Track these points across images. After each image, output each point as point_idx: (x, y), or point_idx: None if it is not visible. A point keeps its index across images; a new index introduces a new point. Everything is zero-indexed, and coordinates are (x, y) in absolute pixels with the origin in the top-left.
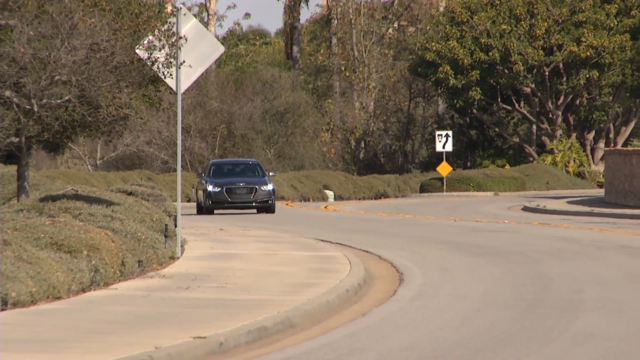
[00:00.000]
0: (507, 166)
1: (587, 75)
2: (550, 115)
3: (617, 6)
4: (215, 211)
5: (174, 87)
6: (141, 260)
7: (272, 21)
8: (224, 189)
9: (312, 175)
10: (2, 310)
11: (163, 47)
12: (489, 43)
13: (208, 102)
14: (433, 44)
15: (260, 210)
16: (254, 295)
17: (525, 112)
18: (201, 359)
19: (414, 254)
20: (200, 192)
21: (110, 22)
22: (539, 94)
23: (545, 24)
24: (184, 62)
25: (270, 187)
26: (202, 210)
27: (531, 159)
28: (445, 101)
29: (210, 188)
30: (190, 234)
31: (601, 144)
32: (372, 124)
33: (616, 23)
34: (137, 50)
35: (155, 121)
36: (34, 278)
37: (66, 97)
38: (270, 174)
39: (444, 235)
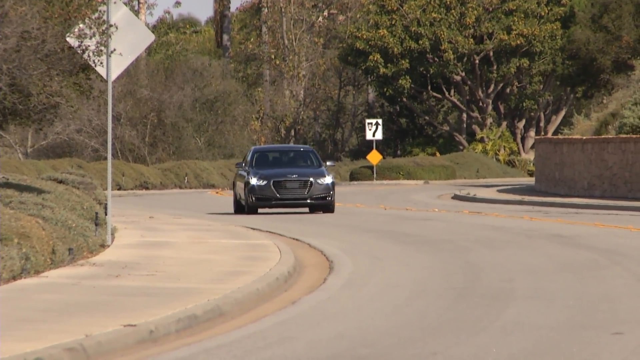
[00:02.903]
0: (438, 154)
1: (518, 64)
2: (481, 104)
3: None
4: (260, 210)
5: (104, 75)
6: (72, 248)
7: (203, 9)
8: (271, 182)
9: None
10: None
11: (94, 36)
12: (419, 31)
13: (138, 91)
14: (363, 32)
15: (316, 208)
16: (184, 283)
17: (456, 101)
18: (131, 347)
19: (344, 242)
20: (240, 186)
21: (41, 11)
22: (469, 83)
23: (476, 12)
24: (114, 50)
25: (328, 179)
26: (244, 209)
27: (461, 147)
28: (375, 89)
29: (253, 181)
30: (121, 222)
31: (532, 133)
32: (302, 113)
33: (547, 11)
34: (67, 39)
35: (85, 109)
36: None
37: None
38: (328, 163)
39: (374, 224)
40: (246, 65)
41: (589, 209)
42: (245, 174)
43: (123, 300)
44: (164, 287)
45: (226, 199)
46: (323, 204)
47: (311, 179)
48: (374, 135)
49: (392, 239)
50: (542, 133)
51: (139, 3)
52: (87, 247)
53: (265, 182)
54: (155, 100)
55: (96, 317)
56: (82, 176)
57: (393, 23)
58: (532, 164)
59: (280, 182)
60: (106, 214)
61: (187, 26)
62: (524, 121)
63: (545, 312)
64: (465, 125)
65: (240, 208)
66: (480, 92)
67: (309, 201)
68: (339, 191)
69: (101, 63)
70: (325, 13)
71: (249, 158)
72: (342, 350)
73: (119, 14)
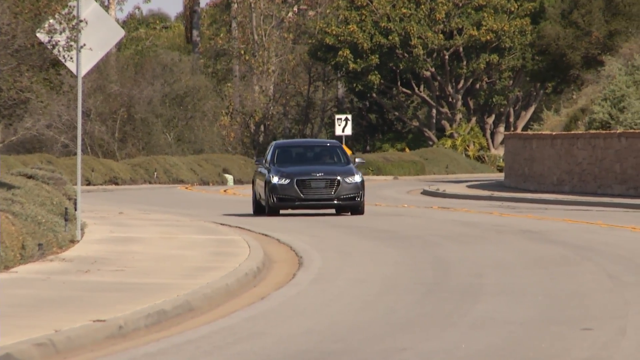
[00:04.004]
0: (407, 150)
1: (487, 60)
2: (450, 99)
3: None
4: (282, 211)
5: (74, 71)
6: (41, 244)
7: (172, 5)
8: (295, 180)
9: (212, 159)
10: None
11: (64, 31)
12: (388, 27)
13: (108, 86)
14: (333, 28)
15: (343, 209)
16: (153, 278)
17: (425, 96)
18: (101, 342)
19: (313, 237)
20: (260, 185)
21: (11, 6)
22: (438, 78)
23: (446, 8)
24: (84, 45)
25: (357, 178)
26: (264, 209)
27: (431, 142)
28: (344, 85)
29: (275, 179)
30: (90, 218)
31: (501, 128)
32: (272, 108)
33: (516, 7)
34: (37, 34)
35: (55, 105)
36: None
37: None
38: (357, 160)
39: (343, 219)
40: (216, 61)
41: (558, 205)
42: (265, 171)
43: (92, 295)
44: (134, 283)
45: (198, 195)
46: (351, 205)
47: (338, 178)
48: (343, 131)
49: (362, 234)
50: (512, 129)
51: None
52: (56, 242)
53: (287, 181)
54: (125, 95)
55: (66, 312)
56: (51, 171)
57: (363, 18)
58: (501, 160)
59: (304, 181)
60: (76, 210)
61: (157, 22)
62: (493, 117)
63: (515, 308)
64: (434, 121)
65: (260, 209)
66: (449, 88)
67: (335, 202)
68: None
69: (71, 58)
70: (295, 9)
71: (269, 154)
72: (312, 346)
73: (89, 9)
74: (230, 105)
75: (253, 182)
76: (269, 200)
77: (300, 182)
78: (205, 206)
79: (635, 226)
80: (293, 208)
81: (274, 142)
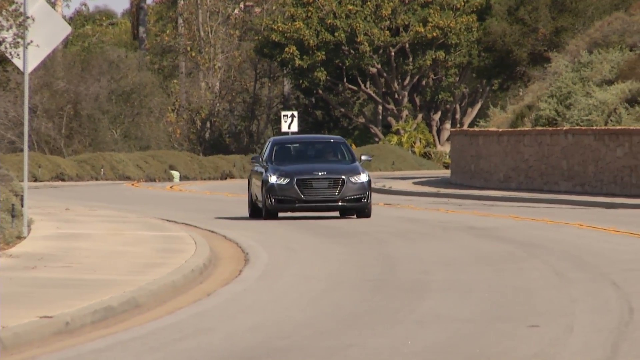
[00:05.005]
0: (353, 146)
1: (434, 56)
2: (396, 96)
3: None
4: (281, 214)
5: (21, 67)
6: None
7: (119, 2)
8: (295, 180)
9: (158, 155)
10: None
11: (10, 27)
12: (335, 24)
13: (55, 83)
14: (279, 24)
15: (348, 211)
16: (100, 275)
17: (371, 93)
18: (48, 339)
19: (259, 234)
20: (257, 185)
21: None
22: (385, 75)
23: (392, 4)
24: (31, 42)
25: (364, 177)
26: (261, 212)
27: (377, 139)
28: (290, 82)
29: (272, 179)
30: (37, 214)
31: (447, 125)
32: (218, 104)
33: (463, 4)
34: None
35: (2, 101)
36: None
37: None
38: (363, 157)
39: (289, 215)
40: (162, 57)
41: (504, 202)
42: (262, 170)
43: (39, 291)
44: (81, 279)
45: (145, 192)
46: (357, 207)
47: (343, 177)
48: (289, 128)
49: (308, 231)
50: (458, 125)
51: None
52: (3, 238)
53: (287, 181)
54: (72, 92)
55: (12, 308)
56: None
57: (309, 15)
58: (448, 157)
59: (305, 181)
60: (22, 206)
61: (104, 18)
62: (439, 113)
63: (461, 305)
64: (381, 118)
65: (257, 212)
66: (396, 85)
67: (340, 203)
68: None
69: (18, 55)
70: (242, 5)
71: (266, 151)
72: (259, 342)
73: (35, 6)
74: (176, 102)
75: (249, 183)
76: (266, 202)
77: (300, 181)
78: (152, 203)
79: (582, 223)
80: (293, 211)
81: (271, 138)
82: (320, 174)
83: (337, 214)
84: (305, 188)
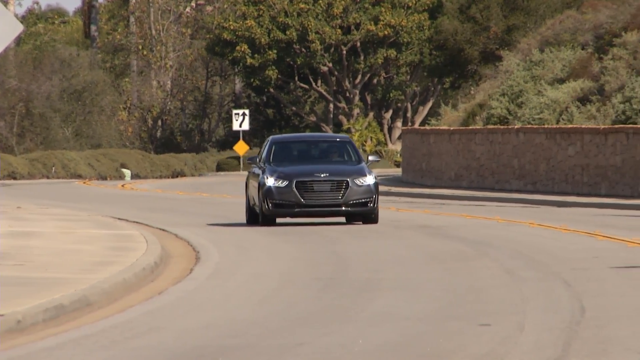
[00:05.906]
0: None
1: (385, 55)
2: (348, 94)
3: None
4: (279, 219)
5: None
6: None
7: (71, 0)
8: (294, 183)
9: (109, 153)
10: None
11: None
12: (286, 22)
13: (6, 81)
14: (230, 23)
15: (354, 217)
16: (52, 273)
17: (323, 91)
18: None
19: (210, 232)
20: (254, 188)
21: None
22: (336, 73)
23: (343, 2)
24: None
25: (370, 179)
26: (257, 218)
27: None
28: (242, 80)
29: (270, 181)
30: None
31: (398, 123)
32: (169, 103)
33: (414, 2)
34: None
35: None
36: None
37: None
38: (370, 158)
39: (241, 214)
40: (114, 56)
41: (456, 200)
42: (259, 172)
43: None
44: (32, 277)
45: (96, 190)
46: (363, 212)
47: (347, 179)
48: (240, 126)
49: (259, 230)
50: (409, 124)
51: None
52: None
53: (285, 183)
54: (24, 90)
55: None
56: None
57: (260, 14)
58: (399, 155)
59: (305, 184)
60: None
61: (56, 16)
62: (391, 112)
63: (413, 303)
64: (332, 116)
65: (254, 217)
66: (347, 83)
67: (343, 208)
68: (204, 182)
69: None
70: (193, 4)
71: (264, 151)
72: (210, 341)
73: None
74: (128, 100)
75: (246, 186)
76: (263, 207)
77: (300, 184)
78: (104, 201)
79: (533, 221)
80: (292, 216)
81: (270, 137)
82: (322, 175)
83: (342, 219)
84: (306, 191)
